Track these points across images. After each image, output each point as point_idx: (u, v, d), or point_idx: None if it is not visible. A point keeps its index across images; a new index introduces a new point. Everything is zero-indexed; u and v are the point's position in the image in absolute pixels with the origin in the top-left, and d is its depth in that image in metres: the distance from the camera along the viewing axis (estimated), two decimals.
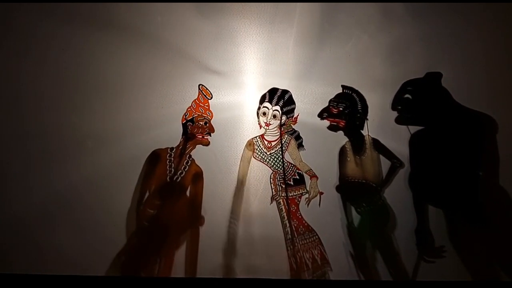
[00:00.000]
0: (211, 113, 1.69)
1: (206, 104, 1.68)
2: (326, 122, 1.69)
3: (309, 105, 1.70)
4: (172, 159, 1.65)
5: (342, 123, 1.68)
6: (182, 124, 1.67)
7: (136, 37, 1.69)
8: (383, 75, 1.69)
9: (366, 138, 1.68)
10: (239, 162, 1.67)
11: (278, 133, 1.71)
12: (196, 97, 1.68)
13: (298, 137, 1.71)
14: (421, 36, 1.70)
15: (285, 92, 1.70)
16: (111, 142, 1.65)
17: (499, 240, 1.56)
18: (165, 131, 1.67)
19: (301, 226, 1.65)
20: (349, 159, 1.68)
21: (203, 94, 1.68)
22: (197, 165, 1.66)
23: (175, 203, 1.62)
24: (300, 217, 1.66)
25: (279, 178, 1.68)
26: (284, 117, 1.70)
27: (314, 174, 1.68)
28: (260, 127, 1.70)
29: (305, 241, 1.63)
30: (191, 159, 1.67)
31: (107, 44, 1.69)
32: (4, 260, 1.59)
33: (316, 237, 1.65)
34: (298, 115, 1.70)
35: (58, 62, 1.67)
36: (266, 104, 1.69)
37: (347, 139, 1.69)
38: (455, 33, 1.69)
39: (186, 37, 1.71)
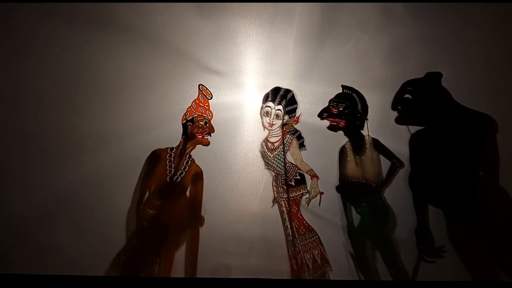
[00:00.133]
0: (211, 113, 1.68)
1: (206, 104, 1.68)
2: (326, 122, 1.69)
3: (309, 105, 1.70)
4: (172, 159, 1.65)
5: (342, 123, 1.68)
6: (182, 124, 1.67)
7: (136, 37, 1.69)
8: (383, 75, 1.69)
9: (366, 138, 1.68)
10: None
11: (280, 133, 1.71)
12: (196, 97, 1.68)
13: (299, 137, 1.71)
14: (421, 36, 1.70)
15: (287, 91, 1.70)
16: (111, 142, 1.65)
17: (499, 240, 1.56)
18: (165, 131, 1.67)
19: (302, 227, 1.65)
20: (349, 159, 1.68)
21: (203, 94, 1.68)
22: (197, 165, 1.66)
23: (175, 203, 1.62)
24: (301, 217, 1.66)
25: (281, 179, 1.68)
26: (286, 117, 1.70)
27: (315, 174, 1.68)
28: (264, 128, 1.70)
29: (305, 242, 1.63)
30: (191, 159, 1.67)
31: (107, 44, 1.68)
32: (4, 260, 1.59)
33: (316, 237, 1.65)
34: (300, 114, 1.70)
35: (58, 62, 1.67)
36: (269, 103, 1.69)
37: (347, 139, 1.69)
38: (455, 33, 1.69)
39: (186, 37, 1.71)
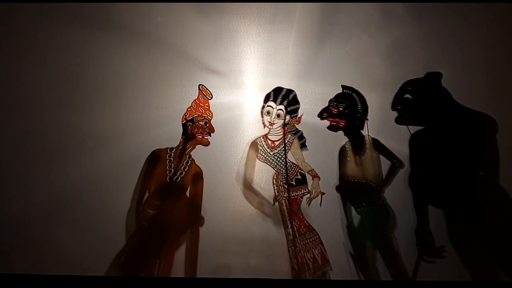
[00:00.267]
0: (211, 113, 1.68)
1: (206, 104, 1.68)
2: (326, 122, 1.69)
3: (309, 105, 1.70)
4: (172, 159, 1.65)
5: (342, 123, 1.68)
6: (182, 124, 1.67)
7: (136, 37, 1.69)
8: (383, 75, 1.70)
9: (366, 138, 1.68)
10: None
11: (282, 133, 1.71)
12: (196, 97, 1.68)
13: (301, 137, 1.71)
14: (421, 36, 1.70)
15: (289, 91, 1.70)
16: (111, 142, 1.65)
17: (499, 240, 1.56)
18: (165, 131, 1.67)
19: (303, 226, 1.65)
20: (349, 159, 1.68)
21: (203, 94, 1.68)
22: (197, 165, 1.66)
23: (175, 203, 1.62)
24: (301, 217, 1.66)
25: (282, 178, 1.68)
26: (288, 117, 1.70)
27: (316, 174, 1.68)
28: (264, 126, 1.70)
29: (306, 241, 1.63)
30: (191, 159, 1.67)
31: (107, 44, 1.68)
32: (4, 260, 1.59)
33: (317, 236, 1.65)
34: (302, 114, 1.70)
35: (58, 62, 1.67)
36: (271, 103, 1.69)
37: (347, 139, 1.69)
38: (455, 33, 1.69)
39: (186, 37, 1.71)
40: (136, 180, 1.62)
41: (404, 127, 1.65)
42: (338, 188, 1.67)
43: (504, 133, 1.59)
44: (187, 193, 1.64)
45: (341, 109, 1.67)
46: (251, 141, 1.69)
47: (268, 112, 1.69)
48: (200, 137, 1.67)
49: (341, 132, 1.69)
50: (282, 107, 1.68)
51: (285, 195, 1.66)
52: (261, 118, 1.70)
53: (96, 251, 1.58)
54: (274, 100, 1.69)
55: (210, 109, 1.69)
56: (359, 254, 1.63)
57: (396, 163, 1.65)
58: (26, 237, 1.59)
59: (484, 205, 1.56)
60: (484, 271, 1.56)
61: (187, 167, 1.65)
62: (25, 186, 1.61)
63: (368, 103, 1.68)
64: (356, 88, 1.68)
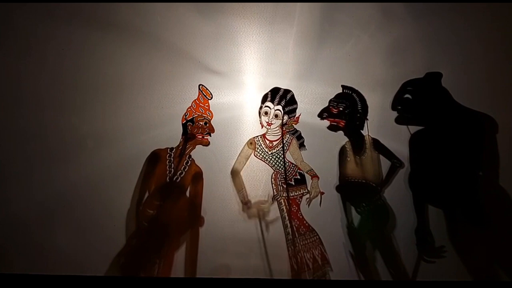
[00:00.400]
0: (211, 113, 1.68)
1: (206, 104, 1.68)
2: (326, 122, 1.69)
3: (309, 105, 1.70)
4: (172, 159, 1.65)
5: (342, 123, 1.68)
6: (182, 124, 1.67)
7: (136, 37, 1.69)
8: (383, 75, 1.70)
9: (366, 138, 1.68)
10: (234, 162, 1.67)
11: (280, 133, 1.71)
12: (196, 97, 1.68)
13: (299, 137, 1.71)
14: (421, 36, 1.70)
15: (287, 91, 1.70)
16: (111, 142, 1.65)
17: (499, 240, 1.56)
18: (165, 131, 1.67)
19: (302, 226, 1.65)
20: (349, 159, 1.68)
21: (203, 94, 1.68)
22: (197, 165, 1.66)
23: (175, 203, 1.62)
24: (301, 217, 1.66)
25: (280, 178, 1.68)
26: (286, 117, 1.70)
27: (315, 174, 1.68)
28: (262, 126, 1.70)
29: (306, 241, 1.63)
30: (191, 159, 1.67)
31: (107, 44, 1.68)
32: (4, 260, 1.59)
33: (317, 237, 1.65)
34: (300, 115, 1.70)
35: (58, 62, 1.67)
36: (268, 103, 1.69)
37: (347, 139, 1.69)
38: (455, 33, 1.69)
39: (186, 37, 1.71)
40: (136, 180, 1.62)
41: (404, 127, 1.65)
42: (338, 188, 1.67)
43: (504, 133, 1.59)
44: (187, 193, 1.64)
45: (341, 109, 1.67)
46: (249, 139, 1.70)
47: (266, 113, 1.69)
48: (200, 137, 1.67)
49: (341, 132, 1.69)
50: (279, 107, 1.68)
51: (284, 195, 1.66)
52: (259, 119, 1.70)
53: (96, 251, 1.58)
54: (272, 101, 1.69)
55: (210, 109, 1.69)
56: (359, 254, 1.63)
57: (396, 163, 1.65)
58: (26, 237, 1.59)
59: (484, 205, 1.56)
60: (484, 271, 1.56)
61: (187, 167, 1.65)
62: (25, 186, 1.61)
63: (368, 103, 1.68)
64: (356, 88, 1.68)
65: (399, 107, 1.65)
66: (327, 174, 1.68)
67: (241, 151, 1.68)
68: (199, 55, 1.70)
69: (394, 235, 1.63)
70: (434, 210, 1.61)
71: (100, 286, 1.56)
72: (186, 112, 1.68)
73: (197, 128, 1.66)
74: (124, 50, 1.69)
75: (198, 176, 1.65)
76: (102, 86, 1.68)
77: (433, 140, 1.62)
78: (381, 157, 1.67)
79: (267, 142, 1.71)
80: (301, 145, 1.71)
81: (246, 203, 1.63)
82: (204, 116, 1.68)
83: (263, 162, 1.70)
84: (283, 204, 1.66)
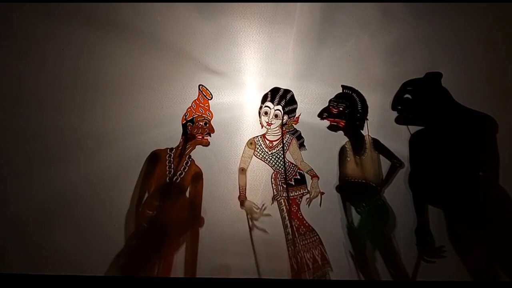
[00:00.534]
0: (211, 113, 1.68)
1: (206, 105, 1.68)
2: (326, 122, 1.69)
3: (309, 105, 1.70)
4: (172, 159, 1.65)
5: (342, 123, 1.68)
6: (182, 124, 1.67)
7: (136, 37, 1.69)
8: (383, 75, 1.70)
9: (366, 138, 1.68)
10: (239, 162, 1.67)
11: (280, 133, 1.71)
12: (196, 97, 1.68)
13: (299, 137, 1.71)
14: (421, 36, 1.70)
15: (287, 91, 1.70)
16: (111, 142, 1.65)
17: (499, 240, 1.56)
18: (165, 131, 1.67)
19: (302, 226, 1.65)
20: (349, 159, 1.68)
21: (203, 94, 1.68)
22: (196, 165, 1.66)
23: (175, 203, 1.62)
24: (301, 217, 1.66)
25: (280, 178, 1.68)
26: (285, 117, 1.70)
27: (315, 174, 1.68)
28: (262, 126, 1.70)
29: (306, 241, 1.63)
30: (190, 159, 1.67)
31: (107, 44, 1.68)
32: (4, 260, 1.59)
33: (317, 237, 1.65)
34: (300, 115, 1.70)
35: (58, 62, 1.67)
36: (268, 103, 1.69)
37: (347, 139, 1.69)
38: (455, 33, 1.69)
39: (186, 37, 1.71)
40: (136, 180, 1.62)
41: (404, 127, 1.65)
42: (338, 188, 1.67)
43: (504, 133, 1.59)
44: (187, 194, 1.64)
45: (341, 109, 1.67)
46: (249, 139, 1.70)
47: (266, 113, 1.69)
48: (200, 137, 1.67)
49: (341, 132, 1.69)
50: (279, 107, 1.68)
51: (284, 195, 1.66)
52: (259, 119, 1.70)
53: (96, 251, 1.58)
54: (272, 101, 1.69)
55: (210, 109, 1.69)
56: (359, 254, 1.63)
57: (396, 163, 1.65)
58: (26, 237, 1.59)
59: (484, 205, 1.56)
60: (484, 271, 1.56)
61: (187, 167, 1.65)
62: (25, 186, 1.61)
63: (368, 103, 1.68)
64: (356, 88, 1.68)
65: (399, 107, 1.65)
66: (327, 174, 1.68)
67: (243, 151, 1.68)
68: (199, 55, 1.70)
69: (394, 235, 1.63)
70: (434, 210, 1.61)
71: (100, 286, 1.56)
72: (186, 112, 1.68)
73: (197, 128, 1.66)
74: (124, 50, 1.69)
75: (198, 176, 1.65)
76: (102, 86, 1.68)
77: (433, 140, 1.62)
78: (381, 157, 1.67)
79: (267, 142, 1.71)
80: (301, 145, 1.71)
81: (241, 201, 1.64)
82: (204, 116, 1.68)
83: (263, 162, 1.70)
84: (283, 204, 1.66)
